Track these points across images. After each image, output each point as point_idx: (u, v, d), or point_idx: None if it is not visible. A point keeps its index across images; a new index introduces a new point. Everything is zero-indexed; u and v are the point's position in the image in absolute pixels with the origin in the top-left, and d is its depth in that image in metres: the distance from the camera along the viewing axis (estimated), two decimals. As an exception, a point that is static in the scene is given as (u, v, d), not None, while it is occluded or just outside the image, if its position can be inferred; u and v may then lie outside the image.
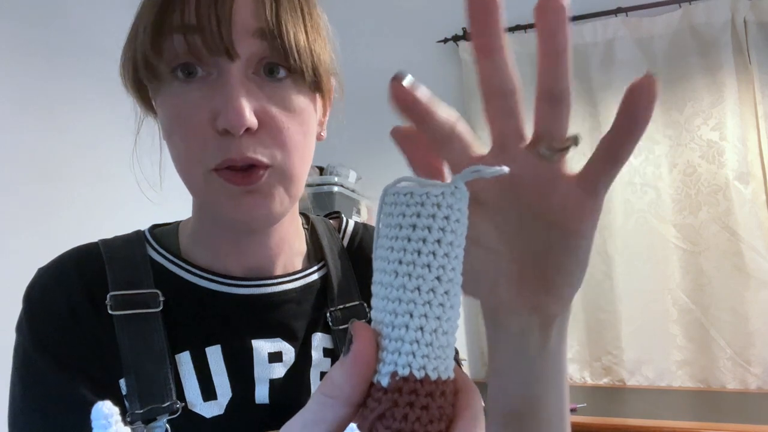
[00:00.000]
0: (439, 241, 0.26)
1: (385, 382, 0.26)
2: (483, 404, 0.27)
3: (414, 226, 0.27)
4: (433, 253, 0.26)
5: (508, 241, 0.36)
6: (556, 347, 0.39)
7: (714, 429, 1.59)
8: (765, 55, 2.10)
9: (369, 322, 0.65)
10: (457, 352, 0.29)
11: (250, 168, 0.48)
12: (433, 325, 0.26)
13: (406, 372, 0.25)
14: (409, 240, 0.27)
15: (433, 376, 0.25)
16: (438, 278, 0.26)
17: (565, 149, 0.32)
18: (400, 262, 0.27)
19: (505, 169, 0.27)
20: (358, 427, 0.27)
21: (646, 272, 2.16)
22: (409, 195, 0.27)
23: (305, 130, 0.51)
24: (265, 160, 0.48)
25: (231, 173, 0.48)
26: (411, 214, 0.27)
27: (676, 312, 2.14)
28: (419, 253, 0.26)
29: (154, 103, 0.54)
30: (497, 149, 0.33)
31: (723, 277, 2.08)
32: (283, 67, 0.49)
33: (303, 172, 0.53)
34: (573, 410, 1.81)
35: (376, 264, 0.28)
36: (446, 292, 0.26)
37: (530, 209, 0.34)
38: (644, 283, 2.15)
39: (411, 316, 0.26)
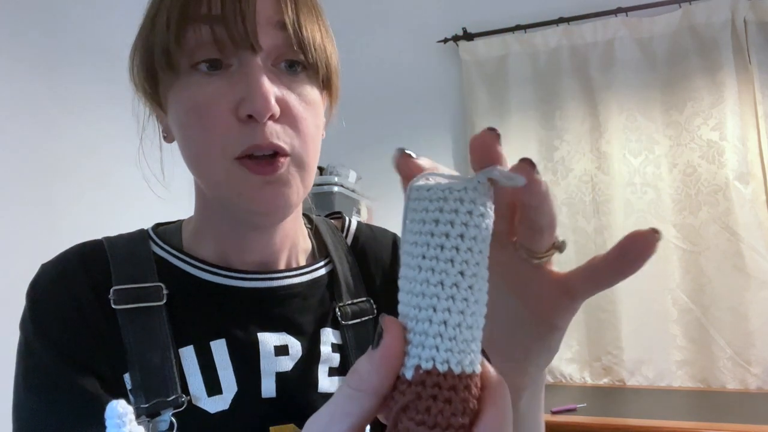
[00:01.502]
0: (461, 236, 0.27)
1: (409, 374, 0.26)
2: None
3: (437, 221, 0.27)
4: (456, 248, 0.26)
5: None
6: (527, 412, 0.39)
7: (714, 429, 1.59)
8: (765, 55, 2.10)
9: (374, 321, 0.66)
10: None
11: (273, 156, 0.49)
12: (456, 320, 0.26)
13: (429, 365, 0.26)
14: (432, 235, 0.27)
15: (457, 370, 0.26)
16: (461, 273, 0.26)
17: (546, 257, 0.32)
18: (423, 257, 0.27)
19: (521, 179, 0.28)
20: (384, 418, 0.27)
21: (646, 272, 2.15)
22: (432, 190, 0.28)
23: (318, 123, 0.54)
24: (286, 147, 0.50)
25: (254, 163, 0.49)
26: (433, 209, 0.27)
27: (676, 312, 2.14)
28: (442, 247, 0.27)
29: (163, 99, 0.54)
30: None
31: (723, 277, 2.08)
32: (300, 62, 0.51)
33: (315, 163, 0.54)
34: (573, 410, 1.81)
35: (402, 258, 0.28)
36: (470, 287, 0.27)
37: (510, 290, 0.34)
38: (644, 283, 2.15)
39: (434, 310, 0.26)
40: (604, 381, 2.22)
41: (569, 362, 2.26)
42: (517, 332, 0.35)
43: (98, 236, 0.58)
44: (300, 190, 0.53)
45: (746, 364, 2.03)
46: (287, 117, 0.50)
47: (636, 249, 0.29)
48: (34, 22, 1.55)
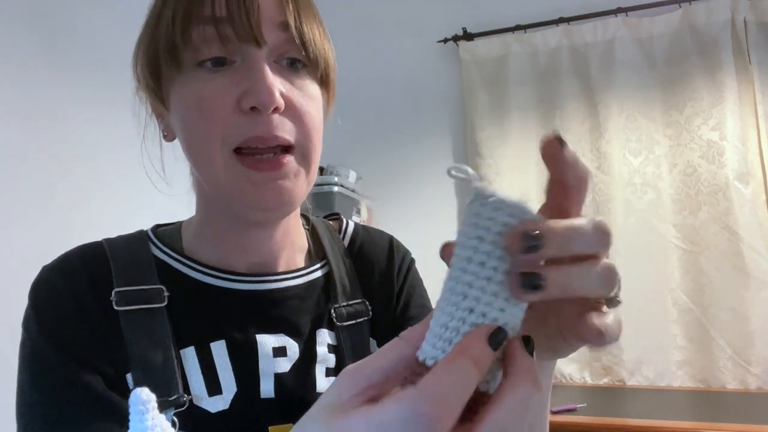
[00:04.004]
0: (461, 245, 0.29)
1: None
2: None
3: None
4: (456, 256, 0.29)
5: None
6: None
7: (714, 429, 1.59)
8: (765, 55, 2.10)
9: (370, 320, 0.66)
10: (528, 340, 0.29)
11: (276, 155, 0.50)
12: (441, 320, 0.28)
13: (418, 353, 0.29)
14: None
15: (429, 363, 0.28)
16: (452, 278, 0.29)
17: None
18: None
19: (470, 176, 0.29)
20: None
21: (646, 272, 2.16)
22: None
23: (320, 118, 0.55)
24: (290, 139, 0.50)
25: (255, 161, 0.50)
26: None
27: (676, 312, 2.14)
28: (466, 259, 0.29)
29: (165, 95, 0.54)
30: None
31: (723, 277, 2.08)
32: (301, 60, 0.52)
33: (318, 158, 0.55)
34: (573, 410, 1.81)
35: None
36: (455, 292, 0.29)
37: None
38: (644, 283, 2.15)
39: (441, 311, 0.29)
40: (604, 381, 2.22)
41: (569, 362, 2.26)
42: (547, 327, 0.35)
43: (99, 237, 0.58)
44: (304, 186, 0.53)
45: (746, 364, 2.03)
46: (291, 111, 0.51)
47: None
48: (36, 23, 1.55)
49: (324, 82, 0.56)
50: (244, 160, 0.50)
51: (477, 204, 0.28)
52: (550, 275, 0.27)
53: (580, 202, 0.31)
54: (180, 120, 0.52)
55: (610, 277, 0.30)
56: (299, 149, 0.52)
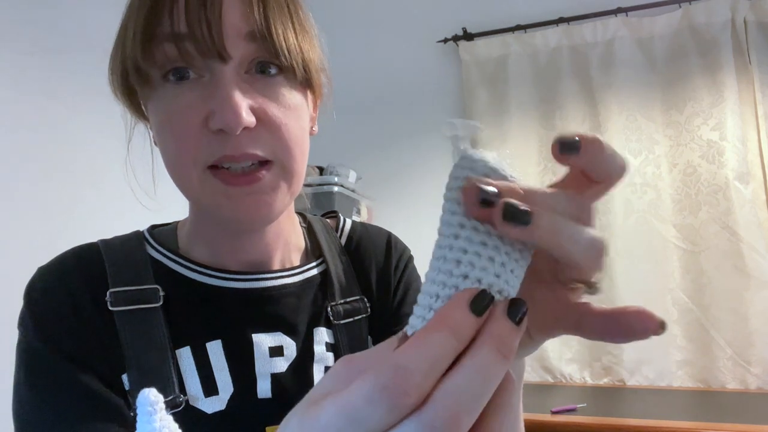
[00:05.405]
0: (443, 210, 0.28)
1: None
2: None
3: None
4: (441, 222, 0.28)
5: None
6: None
7: (714, 429, 1.59)
8: (765, 55, 2.10)
9: (369, 317, 0.65)
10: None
11: (251, 168, 0.48)
12: (431, 290, 0.27)
13: (407, 327, 0.27)
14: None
15: (409, 332, 0.27)
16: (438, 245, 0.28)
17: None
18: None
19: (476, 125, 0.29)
20: None
21: (646, 272, 2.16)
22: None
23: (302, 126, 0.52)
24: (265, 155, 0.49)
25: (229, 175, 0.48)
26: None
27: (676, 312, 2.14)
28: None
29: (145, 109, 0.54)
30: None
31: (723, 277, 2.07)
32: (275, 65, 0.49)
33: (303, 168, 0.53)
34: (573, 410, 1.81)
35: None
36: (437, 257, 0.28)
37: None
38: (644, 283, 2.15)
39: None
40: (604, 381, 2.22)
41: (569, 362, 2.26)
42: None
43: (94, 237, 0.58)
44: (286, 198, 0.52)
45: (746, 364, 2.03)
46: (266, 124, 0.49)
47: (637, 326, 0.30)
48: (29, 20, 1.55)
49: (307, 85, 0.53)
50: (219, 174, 0.48)
51: (463, 167, 0.27)
52: (538, 215, 0.24)
53: (600, 194, 0.28)
54: (156, 135, 0.52)
55: (598, 247, 0.27)
56: (278, 163, 0.50)
